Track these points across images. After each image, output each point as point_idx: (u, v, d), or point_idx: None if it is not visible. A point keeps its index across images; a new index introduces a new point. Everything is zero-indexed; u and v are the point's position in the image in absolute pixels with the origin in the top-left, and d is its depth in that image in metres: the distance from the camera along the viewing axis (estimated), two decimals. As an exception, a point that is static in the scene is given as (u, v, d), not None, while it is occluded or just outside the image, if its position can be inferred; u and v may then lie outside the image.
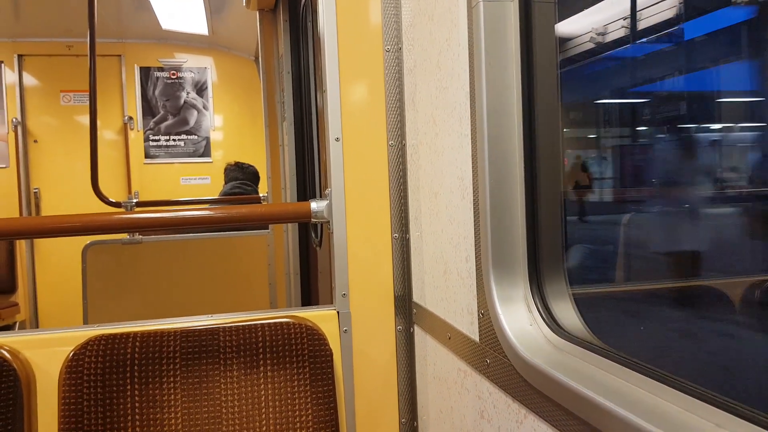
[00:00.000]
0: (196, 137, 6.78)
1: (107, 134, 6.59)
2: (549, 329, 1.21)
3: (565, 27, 1.72)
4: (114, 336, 1.65)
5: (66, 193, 6.36)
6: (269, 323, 1.71)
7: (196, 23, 6.15)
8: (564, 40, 1.88)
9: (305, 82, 3.89)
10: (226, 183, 5.34)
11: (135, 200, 4.76)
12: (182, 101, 6.76)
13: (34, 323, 6.30)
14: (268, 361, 1.68)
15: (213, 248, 4.47)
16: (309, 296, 4.12)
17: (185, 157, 6.77)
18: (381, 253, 1.89)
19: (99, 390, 1.60)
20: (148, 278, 4.35)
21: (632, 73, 2.07)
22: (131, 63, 6.67)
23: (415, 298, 1.88)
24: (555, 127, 1.28)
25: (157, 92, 6.70)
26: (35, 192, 6.38)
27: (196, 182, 6.76)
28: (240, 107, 6.87)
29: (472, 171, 1.37)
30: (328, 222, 1.86)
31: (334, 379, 1.71)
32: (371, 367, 1.88)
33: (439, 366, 1.71)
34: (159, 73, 6.72)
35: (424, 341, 1.83)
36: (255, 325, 1.71)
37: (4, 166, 6.33)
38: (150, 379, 1.64)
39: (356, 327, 1.86)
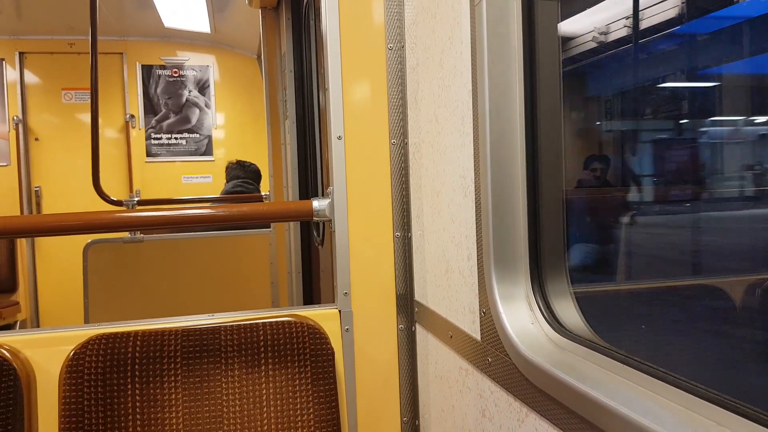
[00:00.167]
0: (197, 136, 6.78)
1: (109, 132, 6.58)
2: (550, 328, 1.21)
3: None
4: (115, 335, 1.65)
5: (67, 192, 6.36)
6: (271, 322, 1.71)
7: (199, 21, 6.15)
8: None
9: (307, 80, 3.89)
10: (227, 182, 5.33)
11: (136, 199, 4.77)
12: (184, 99, 6.76)
13: (35, 322, 6.30)
14: (270, 360, 1.68)
15: (214, 247, 4.47)
16: (311, 295, 4.12)
17: (187, 155, 6.77)
18: (383, 251, 1.89)
19: (100, 389, 1.60)
20: (149, 277, 4.35)
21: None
22: (133, 61, 6.67)
23: (417, 296, 1.88)
24: (557, 125, 1.28)
25: (159, 90, 6.70)
26: (36, 190, 6.38)
27: (197, 181, 6.76)
28: (242, 105, 6.87)
29: (474, 169, 1.37)
30: (330, 220, 1.85)
31: (335, 377, 1.71)
32: (373, 365, 1.88)
33: (440, 364, 1.71)
34: (161, 71, 6.72)
35: (425, 340, 1.83)
36: (256, 324, 1.71)
37: (5, 164, 6.33)
38: (151, 379, 1.64)
39: (358, 326, 1.86)
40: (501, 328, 1.26)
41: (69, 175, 6.37)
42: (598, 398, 0.93)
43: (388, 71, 1.87)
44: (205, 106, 6.79)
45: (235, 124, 6.91)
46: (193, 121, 6.77)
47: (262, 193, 5.20)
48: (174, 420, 1.63)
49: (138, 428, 1.61)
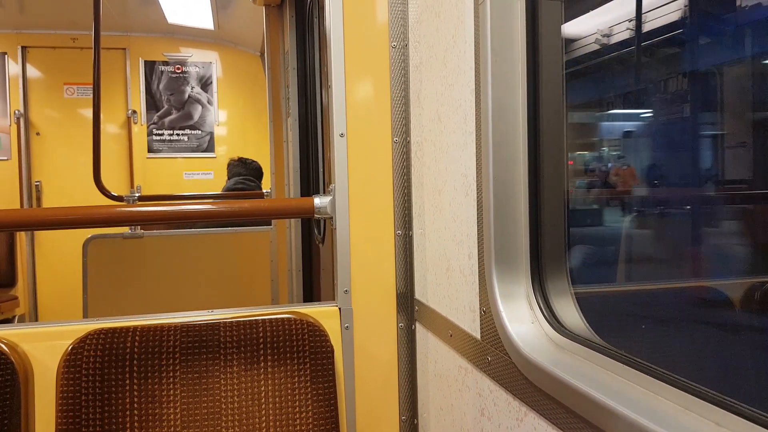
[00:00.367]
0: (199, 132, 6.78)
1: (110, 128, 6.58)
2: (550, 327, 1.21)
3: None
4: (113, 330, 1.65)
5: (68, 187, 6.36)
6: (270, 319, 1.71)
7: (202, 18, 6.15)
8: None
9: (310, 78, 3.89)
10: (229, 178, 5.33)
11: (137, 195, 4.74)
12: (186, 96, 6.76)
13: (34, 317, 6.29)
14: (269, 357, 1.68)
15: (215, 244, 4.47)
16: (311, 293, 4.12)
17: (188, 151, 6.77)
18: (384, 249, 1.89)
19: (97, 384, 1.60)
20: (149, 273, 4.34)
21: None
22: (136, 56, 6.66)
23: (417, 295, 1.88)
24: (560, 125, 1.28)
25: (161, 86, 6.70)
26: (37, 185, 6.38)
27: (199, 177, 6.76)
28: (244, 103, 6.87)
29: (476, 168, 1.37)
30: (331, 218, 1.85)
31: (335, 375, 1.71)
32: (372, 363, 1.88)
33: (440, 363, 1.71)
34: (163, 67, 6.71)
35: (425, 338, 1.83)
36: (256, 320, 1.70)
37: (5, 158, 6.33)
38: (149, 374, 1.64)
39: (358, 323, 1.86)
40: (501, 327, 1.26)
41: (70, 170, 6.37)
42: (598, 398, 0.93)
43: (392, 69, 1.87)
44: (208, 102, 6.79)
45: (237, 121, 6.91)
46: (195, 117, 6.77)
47: (264, 191, 5.20)
48: (172, 416, 1.63)
49: (135, 424, 1.61)
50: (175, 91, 6.73)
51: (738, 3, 1.58)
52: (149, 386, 1.63)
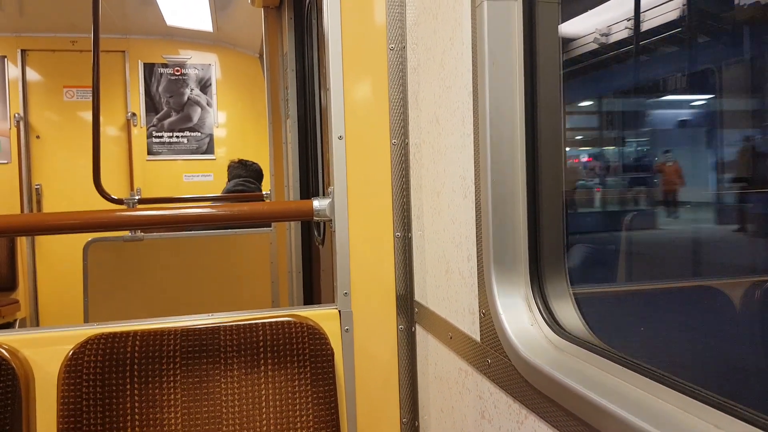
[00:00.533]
0: (199, 134, 6.78)
1: (110, 130, 6.58)
2: (550, 329, 1.21)
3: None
4: (114, 335, 1.65)
5: (68, 190, 6.36)
6: (270, 322, 1.71)
7: (201, 20, 6.15)
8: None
9: (309, 79, 3.89)
10: (229, 180, 5.33)
11: (137, 197, 4.74)
12: (186, 98, 6.76)
13: (35, 321, 6.30)
14: (269, 361, 1.68)
15: (215, 246, 4.47)
16: (311, 294, 4.12)
17: (188, 154, 6.77)
18: (383, 251, 1.89)
19: (98, 389, 1.60)
20: (149, 276, 4.35)
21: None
22: (135, 59, 6.67)
23: (417, 297, 1.88)
24: (557, 127, 1.28)
25: (160, 89, 6.70)
26: (37, 188, 6.38)
27: (198, 179, 6.76)
28: (244, 104, 6.87)
29: (475, 170, 1.37)
30: (331, 220, 1.85)
31: (335, 378, 1.71)
32: (372, 366, 1.88)
33: (440, 365, 1.71)
34: (163, 70, 6.72)
35: (425, 341, 1.83)
36: (256, 324, 1.70)
37: (5, 161, 6.33)
38: (150, 379, 1.64)
39: (358, 326, 1.86)
40: (500, 330, 1.26)
41: (70, 172, 6.37)
42: (597, 400, 0.93)
43: (390, 71, 1.86)
44: (207, 104, 6.79)
45: (236, 123, 6.91)
46: (195, 119, 6.77)
47: (264, 192, 5.20)
48: (173, 420, 1.62)
49: (137, 428, 1.61)
50: (174, 93, 6.73)
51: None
52: (150, 391, 1.63)
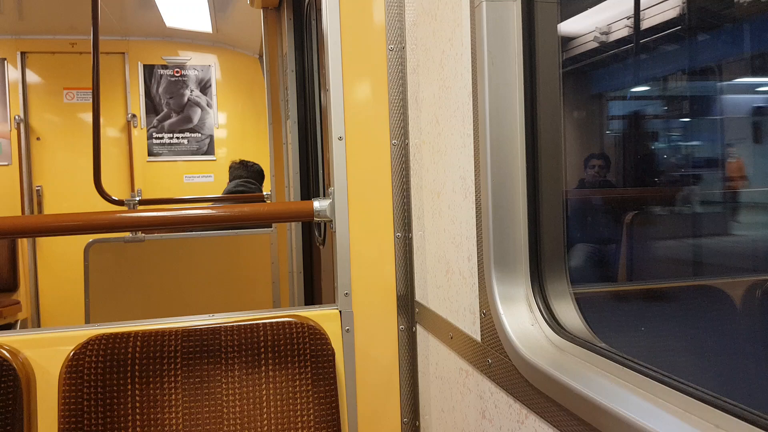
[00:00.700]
0: (199, 135, 6.78)
1: (110, 132, 6.58)
2: (550, 329, 1.21)
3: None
4: (114, 335, 1.65)
5: (68, 191, 6.36)
6: (271, 323, 1.71)
7: (201, 21, 6.15)
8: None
9: (309, 80, 3.89)
10: (230, 181, 5.33)
11: (138, 198, 4.76)
12: (186, 99, 6.76)
13: (36, 321, 6.30)
14: (270, 361, 1.68)
15: (216, 247, 4.47)
16: (312, 294, 4.12)
17: (189, 155, 6.77)
18: (384, 252, 1.89)
19: (99, 390, 1.60)
20: (150, 277, 4.35)
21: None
22: (135, 60, 6.67)
23: (418, 297, 1.88)
24: (557, 126, 1.28)
25: (160, 90, 6.70)
26: (37, 190, 6.39)
27: (199, 180, 6.76)
28: (244, 105, 6.87)
29: (475, 170, 1.37)
30: (331, 221, 1.86)
31: (336, 378, 1.71)
32: (373, 366, 1.88)
33: (441, 365, 1.71)
34: (163, 71, 6.72)
35: (426, 341, 1.83)
36: (257, 324, 1.70)
37: (6, 163, 6.33)
38: (151, 379, 1.64)
39: (359, 326, 1.86)
40: (501, 330, 1.26)
41: (70, 174, 6.37)
42: (598, 400, 0.93)
43: (389, 72, 1.87)
44: (207, 105, 6.79)
45: (236, 124, 6.91)
46: (195, 120, 6.77)
47: (264, 193, 5.20)
48: (174, 421, 1.63)
49: (138, 429, 1.61)
50: (174, 94, 6.73)
51: None
52: (151, 391, 1.63)
